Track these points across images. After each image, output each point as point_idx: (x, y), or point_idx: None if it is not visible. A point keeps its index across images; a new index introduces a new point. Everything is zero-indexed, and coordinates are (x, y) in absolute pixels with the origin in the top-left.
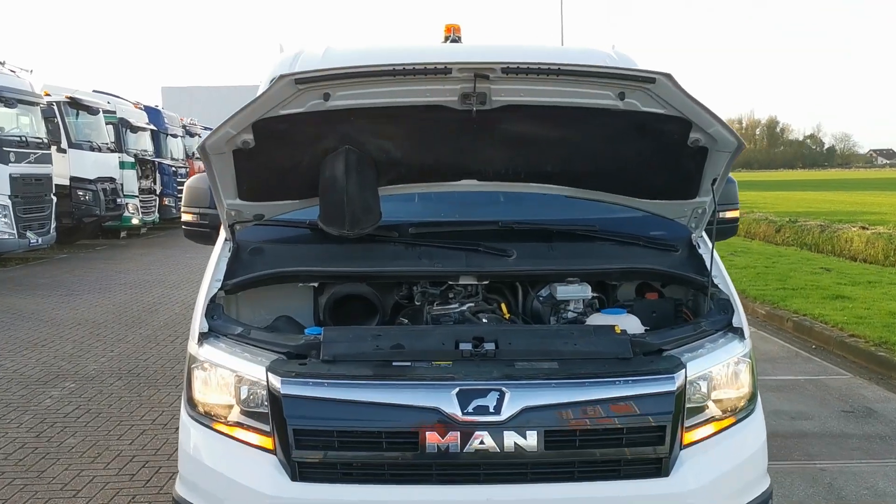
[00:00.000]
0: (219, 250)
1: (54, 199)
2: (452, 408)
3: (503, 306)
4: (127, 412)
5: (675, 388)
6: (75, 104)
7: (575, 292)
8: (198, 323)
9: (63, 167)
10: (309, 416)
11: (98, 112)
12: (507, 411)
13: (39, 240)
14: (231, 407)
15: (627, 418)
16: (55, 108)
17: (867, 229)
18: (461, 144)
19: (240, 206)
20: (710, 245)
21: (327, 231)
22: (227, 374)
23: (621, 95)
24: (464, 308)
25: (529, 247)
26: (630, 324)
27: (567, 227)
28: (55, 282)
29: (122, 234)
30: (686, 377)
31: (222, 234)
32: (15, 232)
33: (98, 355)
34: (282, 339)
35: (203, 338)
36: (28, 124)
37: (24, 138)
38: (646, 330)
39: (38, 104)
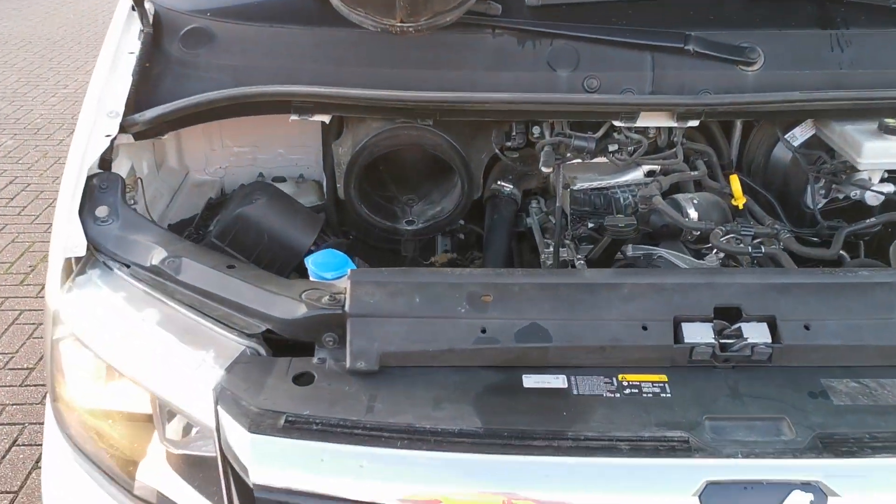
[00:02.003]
0: (116, 38)
1: None
2: None
3: (734, 181)
4: None
5: None
6: None
7: None
8: (62, 231)
9: None
10: None
11: None
12: None
13: None
14: (147, 432)
15: None
16: None
17: None
18: None
19: None
20: None
21: (351, 19)
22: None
23: None
24: (644, 176)
25: (789, 40)
26: None
27: None
28: None
29: None
30: None
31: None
32: None
33: (48, 93)
34: (252, 287)
35: (76, 269)
36: None
37: None
38: None
39: None
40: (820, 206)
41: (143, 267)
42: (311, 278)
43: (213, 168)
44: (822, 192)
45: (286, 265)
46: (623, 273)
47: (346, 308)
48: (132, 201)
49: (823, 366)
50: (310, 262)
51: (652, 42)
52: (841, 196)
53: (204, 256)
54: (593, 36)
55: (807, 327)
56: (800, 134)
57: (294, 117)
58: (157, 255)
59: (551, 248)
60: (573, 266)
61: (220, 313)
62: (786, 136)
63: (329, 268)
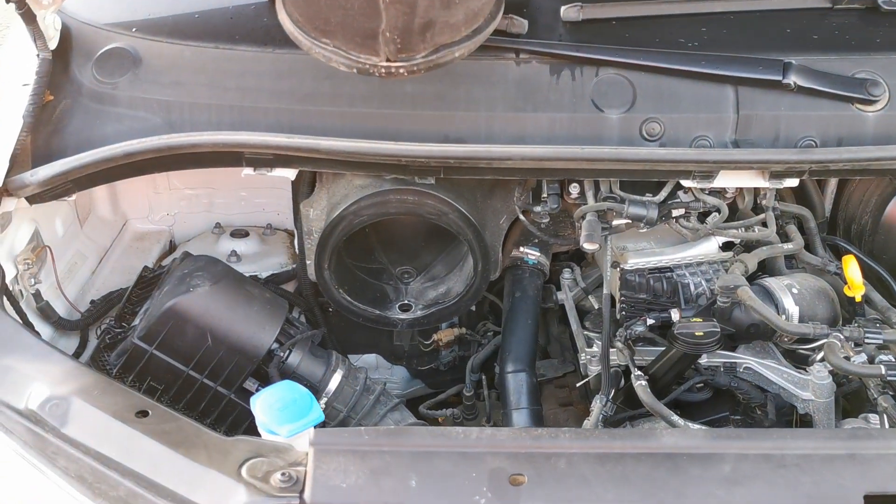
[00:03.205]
0: (8, 62)
1: None
2: None
3: (850, 263)
4: None
5: None
6: None
7: None
8: None
9: None
10: None
11: None
12: None
13: None
14: None
15: None
16: None
17: None
18: None
19: None
20: None
21: (313, 55)
22: None
23: None
24: (718, 249)
25: None
26: None
27: None
28: None
29: None
30: None
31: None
32: None
33: None
34: (169, 452)
35: None
36: None
37: None
38: None
39: None
40: None
41: (16, 410)
42: (259, 430)
43: (158, 215)
44: None
45: (237, 372)
46: (721, 437)
47: (306, 495)
48: (32, 282)
49: None
50: (256, 407)
51: (736, 72)
52: None
53: (106, 394)
54: (654, 64)
55: None
56: None
57: (248, 171)
58: (36, 394)
59: (595, 349)
60: (625, 376)
61: (122, 493)
62: None
63: (285, 417)
